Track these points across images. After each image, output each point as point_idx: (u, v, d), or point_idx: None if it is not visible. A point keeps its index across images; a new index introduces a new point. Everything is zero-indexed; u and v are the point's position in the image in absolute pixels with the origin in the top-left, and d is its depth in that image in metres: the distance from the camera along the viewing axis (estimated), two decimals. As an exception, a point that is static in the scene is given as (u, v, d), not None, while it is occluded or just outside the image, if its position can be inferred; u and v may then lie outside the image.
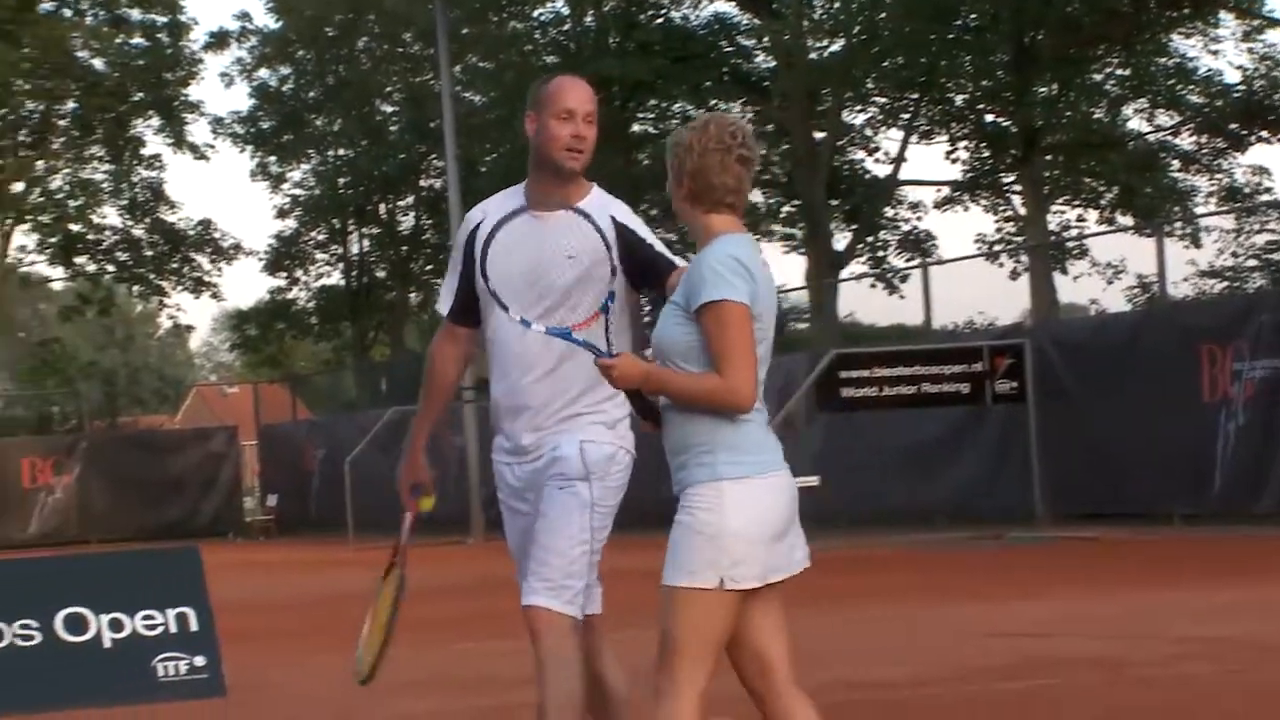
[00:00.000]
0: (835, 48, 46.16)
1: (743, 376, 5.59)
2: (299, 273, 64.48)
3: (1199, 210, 44.97)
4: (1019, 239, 46.11)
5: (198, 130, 58.07)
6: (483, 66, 51.73)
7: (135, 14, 56.37)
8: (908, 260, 48.61)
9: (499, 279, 6.20)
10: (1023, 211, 46.55)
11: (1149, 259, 38.21)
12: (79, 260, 58.33)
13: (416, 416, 6.62)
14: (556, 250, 6.39)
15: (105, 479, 50.46)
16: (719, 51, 49.39)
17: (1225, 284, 40.09)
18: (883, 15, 44.22)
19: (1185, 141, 46.13)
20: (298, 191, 58.61)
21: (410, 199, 59.04)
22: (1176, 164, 47.06)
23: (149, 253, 58.79)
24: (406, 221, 59.57)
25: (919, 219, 51.07)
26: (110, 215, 58.45)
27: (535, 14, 50.07)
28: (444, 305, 6.71)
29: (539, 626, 6.56)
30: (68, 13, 55.78)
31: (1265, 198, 44.10)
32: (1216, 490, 25.72)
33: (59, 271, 59.93)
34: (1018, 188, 46.72)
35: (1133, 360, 27.53)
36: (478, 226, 6.60)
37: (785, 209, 51.80)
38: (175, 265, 59.05)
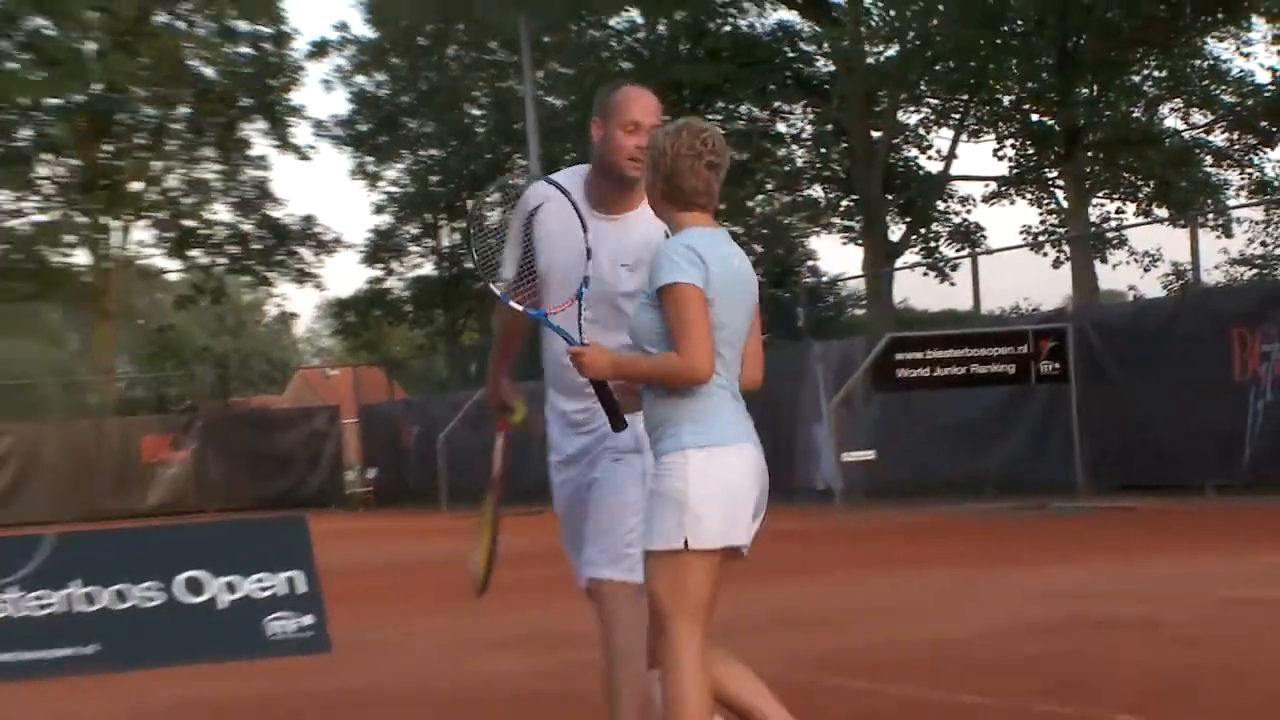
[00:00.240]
0: (891, 53, 46.00)
1: (697, 351, 5.69)
2: (394, 264, 64.60)
3: (1230, 203, 44.70)
4: (1061, 230, 45.91)
5: (300, 132, 58.13)
6: (563, 72, 51.75)
7: (243, 25, 56.54)
8: (958, 250, 48.47)
9: (547, 265, 6.39)
10: (1065, 204, 46.36)
11: (1183, 248, 38.05)
12: (193, 253, 58.57)
13: (492, 356, 6.67)
14: (614, 255, 6.42)
15: (219, 454, 50.72)
16: (782, 57, 49.27)
17: (1255, 271, 39.86)
18: (935, 22, 44.06)
19: (1218, 138, 45.92)
20: (393, 189, 58.71)
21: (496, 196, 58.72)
22: (1210, 159, 46.82)
23: (257, 246, 59.00)
24: (493, 217, 59.29)
25: (968, 212, 51.01)
26: (221, 211, 58.75)
27: (612, 23, 50.01)
28: (508, 271, 6.66)
29: (604, 596, 6.50)
30: (181, 25, 55.94)
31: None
32: (1246, 462, 25.66)
33: (175, 264, 60.18)
34: (1060, 182, 46.53)
35: (1168, 343, 27.45)
36: (538, 208, 6.62)
37: (844, 203, 51.73)
38: (281, 258, 59.24)
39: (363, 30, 58.59)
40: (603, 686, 6.34)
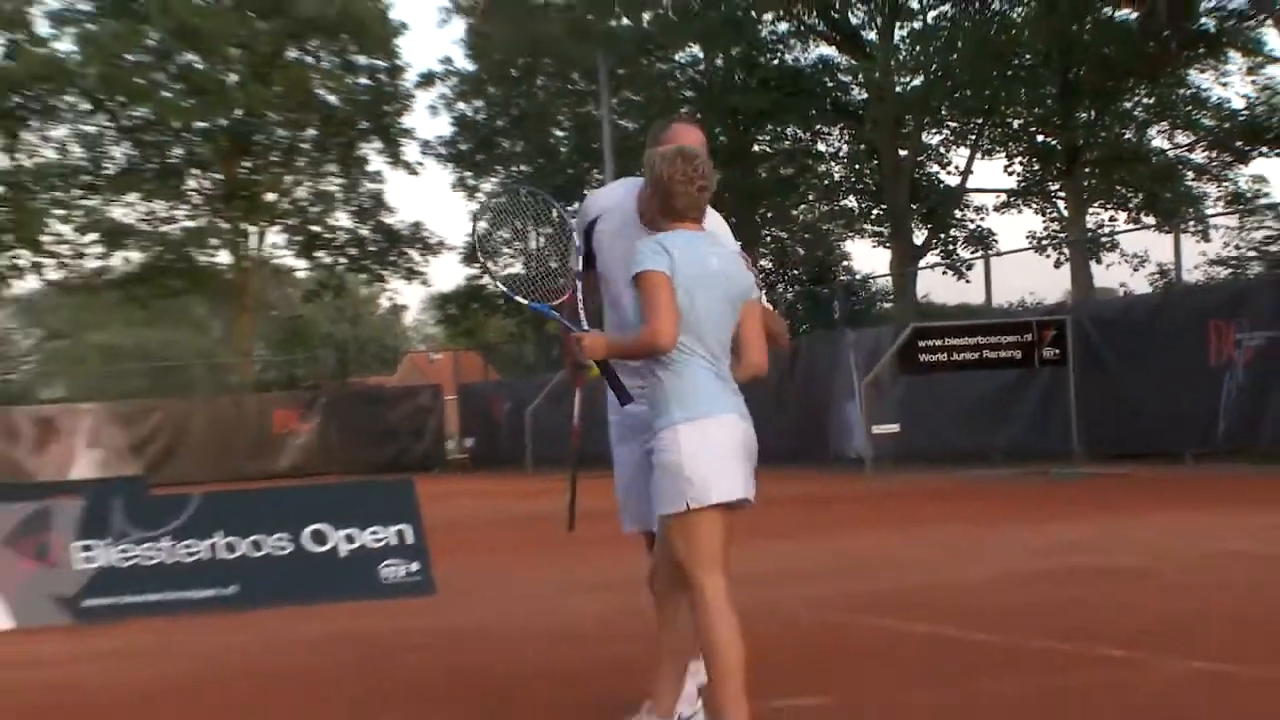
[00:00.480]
0: (916, 83, 45.87)
1: (658, 324, 5.80)
2: (489, 263, 64.59)
3: (1209, 211, 44.47)
4: (1062, 235, 45.69)
5: (410, 151, 58.05)
6: (634, 99, 51.70)
7: (361, 59, 56.67)
8: (972, 252, 48.25)
9: (603, 266, 6.58)
10: (1065, 213, 46.19)
11: (1168, 251, 37.79)
12: (318, 254, 58.78)
13: (586, 340, 6.50)
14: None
15: (339, 425, 50.93)
16: (823, 86, 49.14)
17: (1229, 271, 39.57)
18: (954, 56, 44.03)
19: (1198, 156, 45.65)
20: (492, 201, 58.76)
21: (575, 206, 58.90)
22: (1191, 174, 46.57)
23: (372, 248, 59.14)
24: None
25: (982, 219, 50.84)
26: (342, 218, 58.89)
27: (676, 57, 49.95)
28: (574, 262, 6.79)
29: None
30: (309, 59, 56.09)
31: (1263, 201, 43.56)
32: (1221, 434, 25.70)
33: (302, 263, 60.41)
34: (1062, 194, 46.35)
35: (1154, 332, 27.45)
36: (596, 220, 6.79)
37: (875, 212, 51.63)
38: (393, 258, 59.36)
39: (464, 64, 58.67)
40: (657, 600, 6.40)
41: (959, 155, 48.87)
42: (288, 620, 11.89)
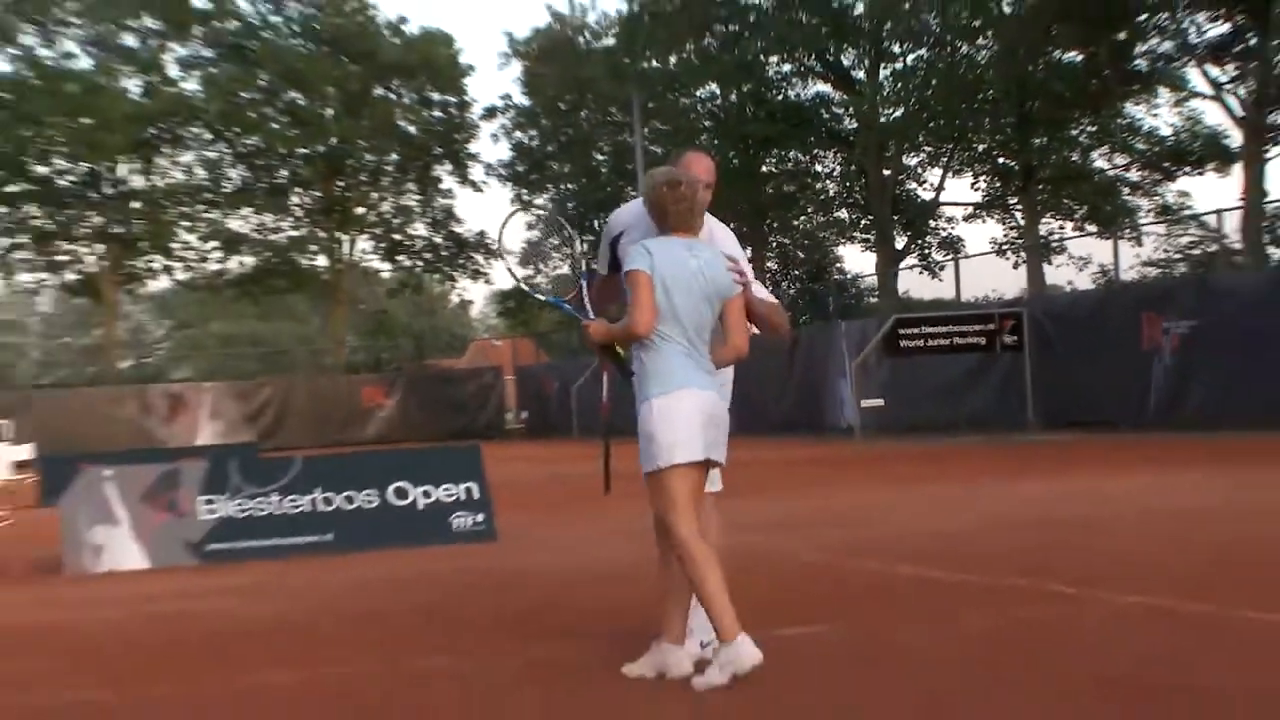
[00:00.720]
0: (898, 114, 45.77)
1: (637, 315, 6.07)
2: (542, 265, 64.89)
3: (1142, 221, 44.30)
4: (1019, 241, 45.56)
5: (475, 172, 58.06)
6: (662, 128, 51.66)
7: (435, 96, 56.72)
8: (944, 255, 48.22)
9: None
10: (1022, 222, 46.02)
11: (1107, 254, 37.78)
12: (399, 258, 58.84)
13: (594, 330, 6.59)
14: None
15: (416, 400, 51.16)
16: (819, 117, 49.07)
17: (1159, 271, 39.50)
18: (929, 92, 44.01)
19: (1133, 175, 45.51)
20: (541, 212, 58.71)
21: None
22: (1127, 190, 46.44)
23: (444, 253, 59.24)
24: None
25: (952, 227, 50.68)
26: (419, 228, 58.97)
27: (697, 93, 49.90)
28: (601, 268, 6.94)
29: (714, 499, 6.72)
30: (392, 96, 56.15)
31: (1186, 213, 43.50)
32: (1152, 408, 25.81)
33: (386, 266, 60.49)
34: (1019, 206, 46.21)
35: (1096, 322, 27.52)
36: (621, 234, 6.78)
37: (862, 222, 51.57)
38: (461, 261, 59.44)
39: (520, 99, 58.69)
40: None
41: (933, 174, 48.87)
42: (375, 562, 11.93)
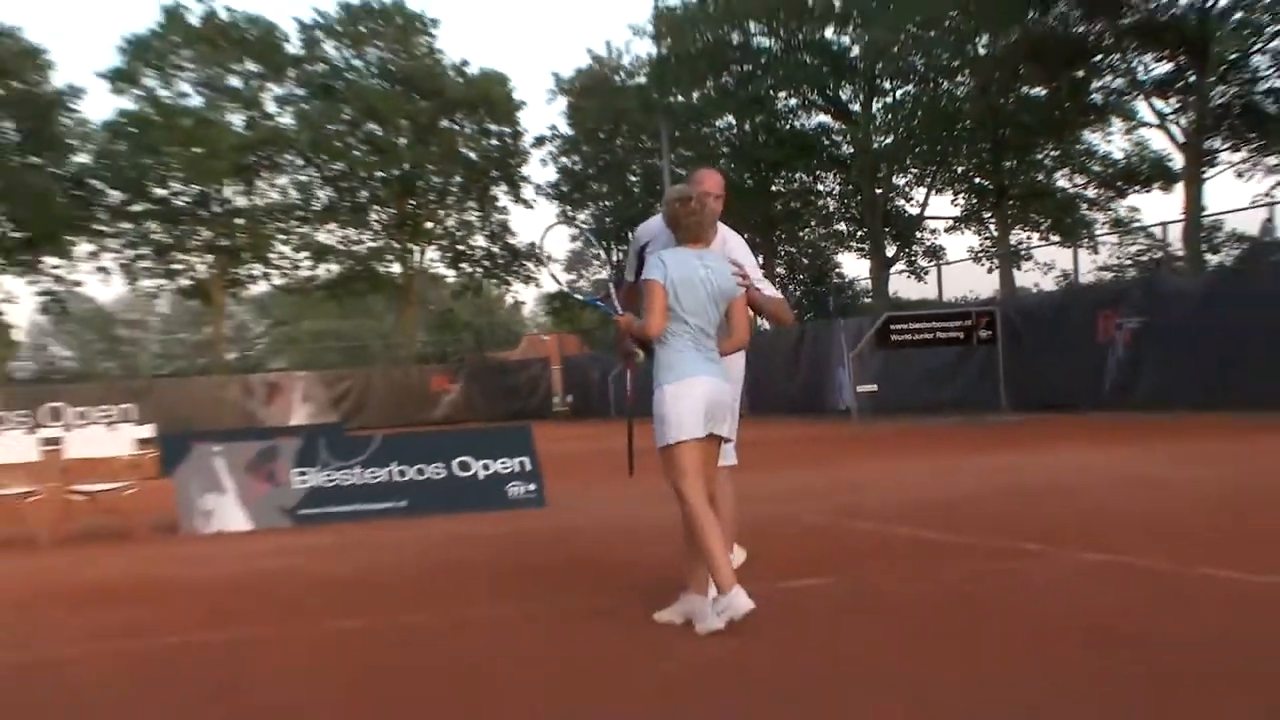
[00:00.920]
0: (888, 141, 45.75)
1: (650, 318, 6.23)
2: (584, 270, 64.87)
3: (1098, 232, 44.12)
4: (993, 249, 45.37)
5: (527, 191, 58.08)
6: (687, 154, 51.57)
7: (493, 127, 56.71)
8: (928, 262, 48.02)
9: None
10: (995, 233, 45.84)
11: (1068, 260, 37.73)
12: (462, 265, 58.82)
13: (622, 322, 6.67)
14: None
15: (477, 387, 51.20)
16: (820, 144, 48.89)
17: (1112, 275, 39.31)
18: (915, 122, 44.04)
19: (1091, 192, 45.26)
20: (582, 225, 58.67)
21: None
22: (1085, 205, 46.16)
23: (500, 261, 59.17)
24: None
25: (935, 237, 50.48)
26: (479, 240, 58.90)
27: (716, 124, 49.82)
28: (629, 275, 7.01)
29: (729, 473, 6.85)
30: (456, 126, 56.16)
31: (1135, 225, 43.30)
32: (1106, 392, 25.71)
33: (450, 272, 60.46)
34: (993, 220, 46.02)
35: (1058, 319, 27.44)
36: (647, 244, 6.89)
37: (858, 233, 51.39)
38: (514, 268, 59.40)
39: (565, 129, 58.65)
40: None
41: (918, 192, 48.60)
42: (443, 525, 11.94)
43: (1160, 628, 5.74)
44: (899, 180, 48.40)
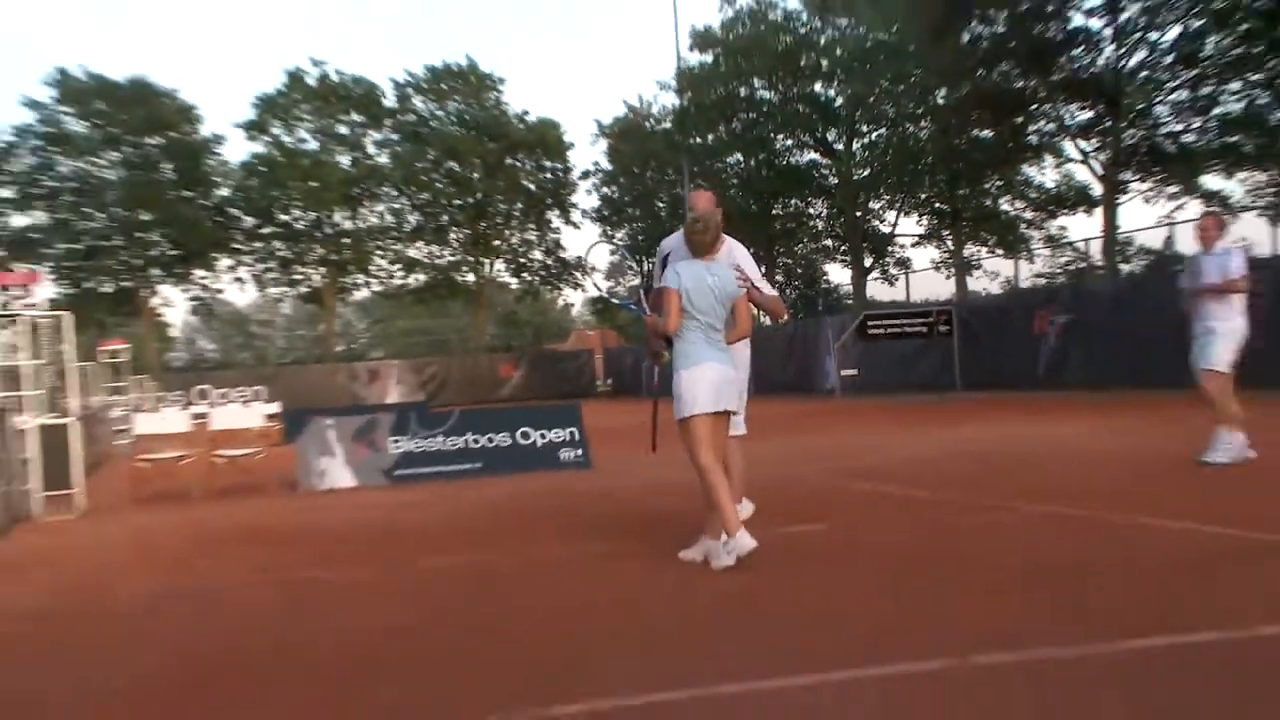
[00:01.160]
0: (865, 173, 45.64)
1: (668, 318, 6.30)
2: (620, 279, 64.76)
3: (1034, 247, 43.80)
4: (950, 260, 45.11)
5: (575, 215, 57.91)
6: (704, 185, 51.39)
7: (548, 164, 56.58)
8: (899, 270, 47.71)
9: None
10: (952, 247, 45.55)
11: (1011, 269, 37.44)
12: (523, 275, 58.68)
13: (649, 330, 6.65)
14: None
15: (535, 372, 51.12)
16: (811, 176, 48.62)
17: (1045, 280, 39.11)
18: (887, 158, 43.93)
19: (1028, 214, 44.80)
20: (619, 243, 58.53)
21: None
22: (1024, 225, 45.66)
23: (553, 271, 59.00)
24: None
25: (903, 251, 50.00)
26: (536, 255, 58.72)
27: (727, 160, 49.60)
28: (656, 281, 6.96)
29: (739, 441, 6.82)
30: (519, 164, 56.01)
31: (1064, 241, 42.91)
32: (1040, 375, 25.46)
33: (513, 281, 60.24)
34: (950, 237, 45.73)
35: (1003, 317, 27.25)
36: (669, 254, 6.92)
37: (842, 248, 51.08)
38: (565, 277, 59.25)
39: (606, 164, 58.44)
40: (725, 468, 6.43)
41: (890, 214, 48.23)
42: (510, 483, 11.93)
43: (1090, 560, 5.69)
44: (874, 205, 48.11)
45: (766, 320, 30.08)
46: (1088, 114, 34.91)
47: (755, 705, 3.90)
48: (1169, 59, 31.82)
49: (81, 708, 4.41)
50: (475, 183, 54.81)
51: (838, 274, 51.96)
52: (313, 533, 8.90)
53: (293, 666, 4.80)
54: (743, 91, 47.13)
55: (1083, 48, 33.36)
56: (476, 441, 13.09)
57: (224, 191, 52.11)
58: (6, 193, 48.23)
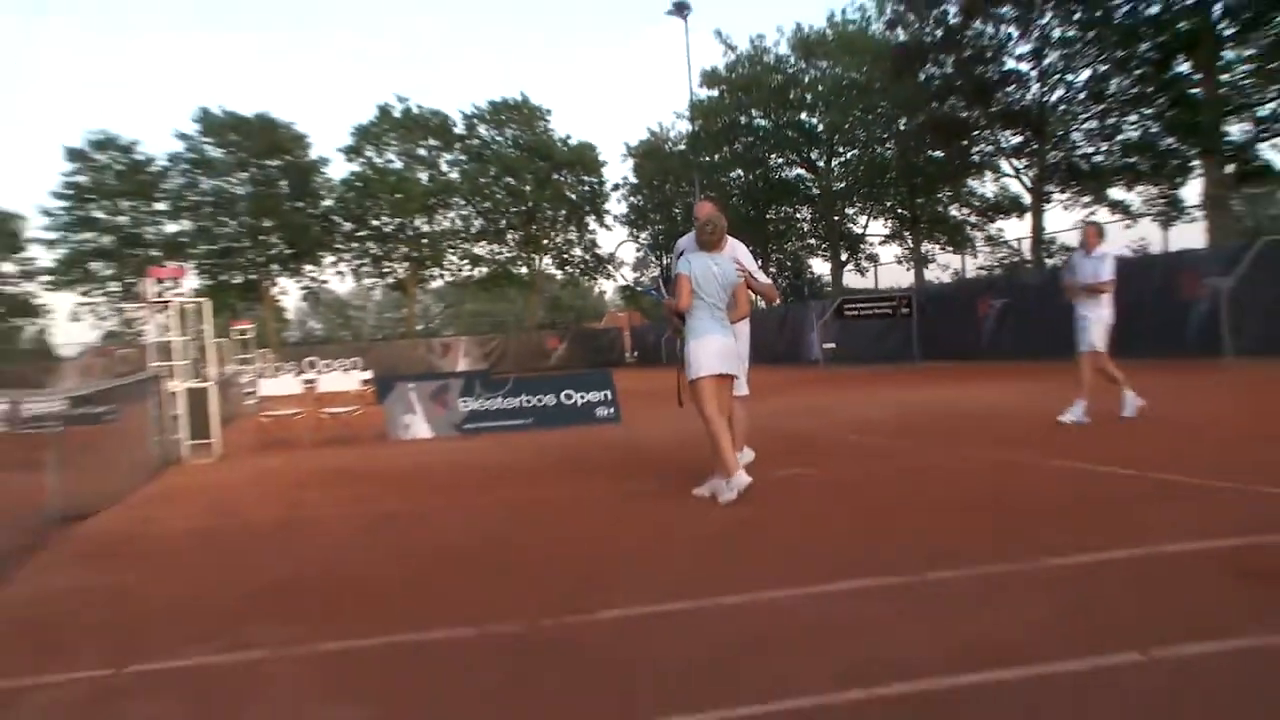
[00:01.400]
0: (842, 185, 45.30)
1: (679, 300, 6.23)
2: (644, 271, 64.37)
3: (978, 245, 43.40)
4: (911, 255, 44.75)
5: (608, 220, 57.56)
6: (712, 195, 51.08)
7: (585, 177, 56.25)
8: (869, 263, 47.38)
9: (691, 272, 6.38)
10: (912, 245, 45.16)
11: (959, 263, 37.05)
12: (566, 268, 57.66)
13: (668, 309, 6.54)
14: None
15: (576, 345, 50.42)
16: (798, 188, 48.27)
17: (986, 272, 38.80)
18: (860, 173, 43.62)
19: (973, 219, 44.25)
20: (643, 242, 58.24)
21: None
22: (970, 227, 45.10)
23: (590, 265, 58.63)
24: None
25: (873, 248, 49.52)
26: (576, 251, 58.16)
27: (731, 175, 49.24)
28: (674, 271, 6.70)
29: (742, 400, 6.74)
30: (560, 178, 55.71)
31: (1001, 240, 42.46)
32: (982, 347, 25.20)
33: (558, 272, 59.79)
34: (910, 236, 45.33)
35: (953, 302, 26.98)
36: (683, 251, 6.72)
37: (823, 245, 50.69)
38: (599, 270, 58.79)
39: (632, 179, 58.08)
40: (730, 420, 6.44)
41: (862, 219, 47.81)
42: (555, 435, 11.91)
43: (1022, 496, 5.66)
44: (849, 211, 47.72)
45: (763, 304, 29.98)
46: (1019, 139, 35.06)
47: (753, 612, 3.92)
48: (1082, 95, 32.02)
49: (231, 603, 4.49)
50: (527, 194, 54.63)
51: (820, 267, 51.57)
52: (397, 473, 8.95)
53: (379, 574, 4.90)
54: (743, 120, 46.95)
55: (1014, 86, 33.51)
56: (528, 401, 13.09)
57: (328, 202, 52.17)
58: (161, 206, 48.95)
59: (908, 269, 43.51)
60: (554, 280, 65.00)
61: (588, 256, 58.60)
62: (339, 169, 51.47)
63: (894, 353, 28.60)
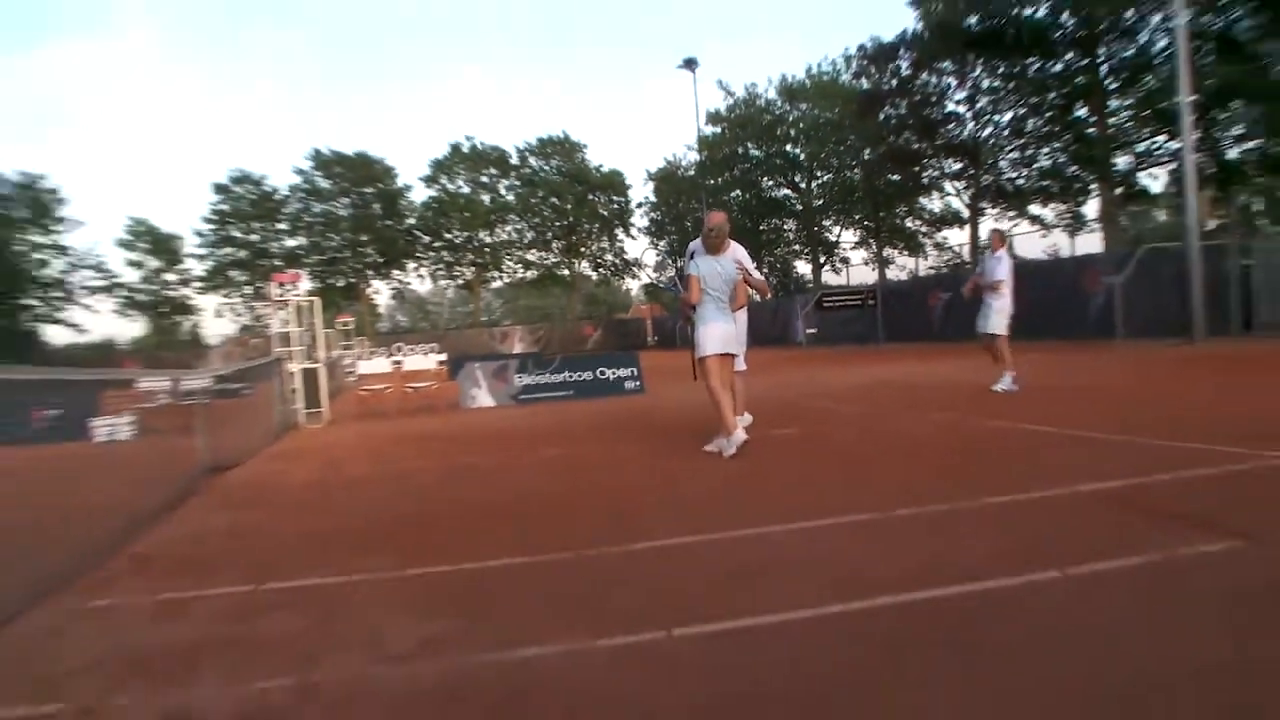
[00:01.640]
0: (820, 203, 44.83)
1: (690, 294, 6.12)
2: (663, 272, 63.97)
3: (929, 249, 42.91)
4: (875, 259, 44.32)
5: (633, 231, 57.27)
6: (717, 209, 50.67)
7: (615, 197, 55.79)
8: (842, 265, 46.94)
9: (699, 271, 6.30)
10: (876, 250, 44.74)
11: (913, 264, 36.63)
12: (600, 270, 57.45)
13: (683, 301, 6.49)
14: (717, 270, 6.33)
15: (608, 333, 50.27)
16: (784, 205, 47.84)
17: (935, 272, 38.40)
18: (834, 192, 43.18)
19: (924, 229, 43.64)
20: (662, 249, 57.93)
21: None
22: (921, 235, 44.47)
23: (619, 267, 58.23)
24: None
25: (845, 251, 49.03)
26: (608, 257, 57.76)
27: (732, 195, 48.84)
28: (687, 271, 6.63)
29: (741, 374, 6.68)
30: (592, 197, 55.31)
31: (946, 247, 42.08)
32: (934, 332, 24.95)
33: (594, 274, 58.92)
34: (874, 243, 44.89)
35: (910, 296, 26.69)
36: (693, 253, 6.58)
37: (805, 250, 50.21)
38: (627, 272, 58.54)
39: (652, 198, 57.65)
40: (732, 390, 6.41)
41: (836, 229, 47.37)
42: (593, 404, 11.85)
43: (963, 447, 5.62)
44: (826, 223, 47.34)
45: (758, 297, 29.73)
46: (959, 165, 35.37)
47: (756, 543, 3.93)
48: (1006, 132, 32.42)
49: (339, 537, 4.54)
50: (569, 211, 54.46)
51: (803, 268, 51.13)
52: (466, 435, 8.98)
53: (456, 515, 4.92)
54: (740, 151, 46.71)
55: (954, 124, 33.86)
56: (571, 377, 13.08)
57: (411, 220, 52.27)
58: (283, 226, 49.62)
59: (873, 269, 43.02)
60: (590, 280, 64.78)
61: (617, 261, 58.34)
62: (419, 194, 51.51)
63: (862, 336, 28.37)
